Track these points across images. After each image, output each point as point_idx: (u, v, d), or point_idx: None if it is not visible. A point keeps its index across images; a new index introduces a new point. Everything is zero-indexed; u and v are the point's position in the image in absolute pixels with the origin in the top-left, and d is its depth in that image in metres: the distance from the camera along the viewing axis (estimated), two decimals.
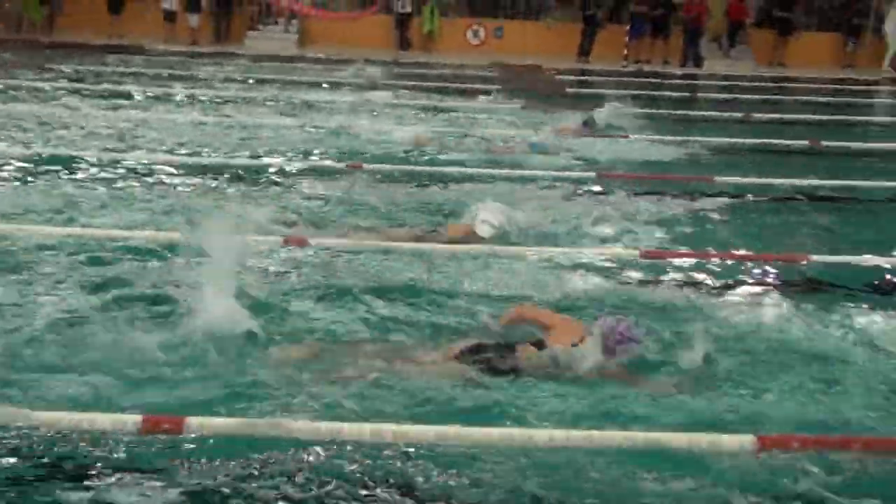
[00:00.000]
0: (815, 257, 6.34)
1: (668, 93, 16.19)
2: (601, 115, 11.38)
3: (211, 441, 3.61)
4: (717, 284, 5.81)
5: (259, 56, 18.74)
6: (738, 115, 13.46)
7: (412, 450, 3.60)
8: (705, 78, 20.01)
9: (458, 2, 23.22)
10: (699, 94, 17.22)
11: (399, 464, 3.55)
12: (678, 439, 3.76)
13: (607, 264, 6.01)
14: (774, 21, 22.38)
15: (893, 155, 10.75)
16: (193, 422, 3.63)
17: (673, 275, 5.96)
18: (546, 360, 4.29)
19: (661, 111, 13.51)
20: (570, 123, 10.92)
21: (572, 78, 18.36)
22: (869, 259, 6.38)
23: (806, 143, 11.18)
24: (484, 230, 6.28)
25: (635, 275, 5.92)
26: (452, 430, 3.71)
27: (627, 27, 21.49)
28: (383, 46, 21.34)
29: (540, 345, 4.37)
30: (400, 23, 21.83)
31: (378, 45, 21.22)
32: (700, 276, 5.93)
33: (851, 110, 15.13)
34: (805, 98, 16.38)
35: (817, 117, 13.65)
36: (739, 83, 18.22)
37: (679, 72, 20.48)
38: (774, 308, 5.29)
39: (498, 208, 6.46)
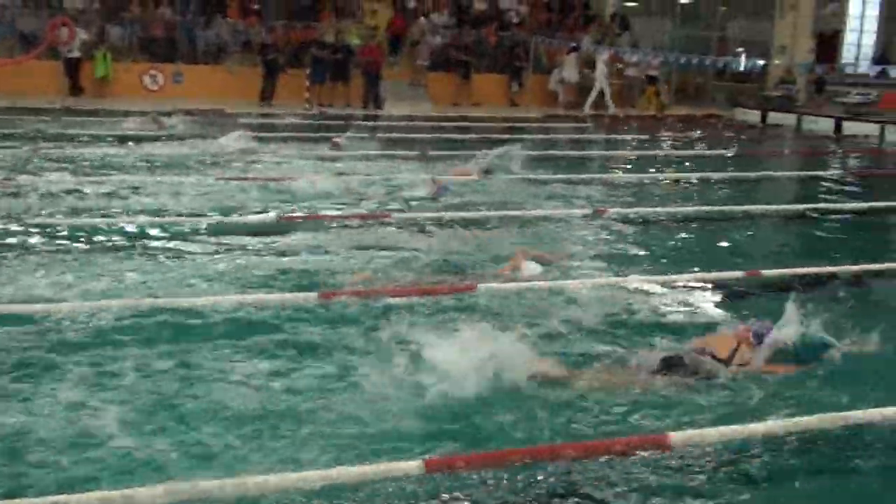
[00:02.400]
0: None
1: (347, 133, 16.57)
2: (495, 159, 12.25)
3: None
4: None
5: None
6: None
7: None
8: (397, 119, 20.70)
9: (131, 46, 22.43)
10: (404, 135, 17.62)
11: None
12: (348, 473, 3.84)
13: None
14: (455, 64, 23.91)
15: (548, 182, 11.69)
16: None
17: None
18: (718, 367, 5.10)
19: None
20: (467, 167, 11.90)
21: (254, 121, 18.31)
22: None
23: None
24: (533, 268, 7.05)
25: None
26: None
27: (308, 71, 21.84)
28: (53, 93, 20.18)
29: (711, 355, 5.17)
30: (69, 68, 20.70)
31: (47, 92, 20.02)
32: None
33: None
34: (481, 135, 17.43)
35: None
36: (419, 122, 19.13)
37: (362, 113, 21.10)
38: None
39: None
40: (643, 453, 4.20)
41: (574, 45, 24.45)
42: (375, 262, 7.39)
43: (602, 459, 4.12)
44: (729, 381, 5.04)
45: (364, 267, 7.21)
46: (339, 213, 9.37)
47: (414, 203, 10.01)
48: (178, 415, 4.47)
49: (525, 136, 17.73)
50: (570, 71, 24.38)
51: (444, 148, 14.52)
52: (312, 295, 6.29)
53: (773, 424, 4.50)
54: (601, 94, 24.02)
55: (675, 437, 4.31)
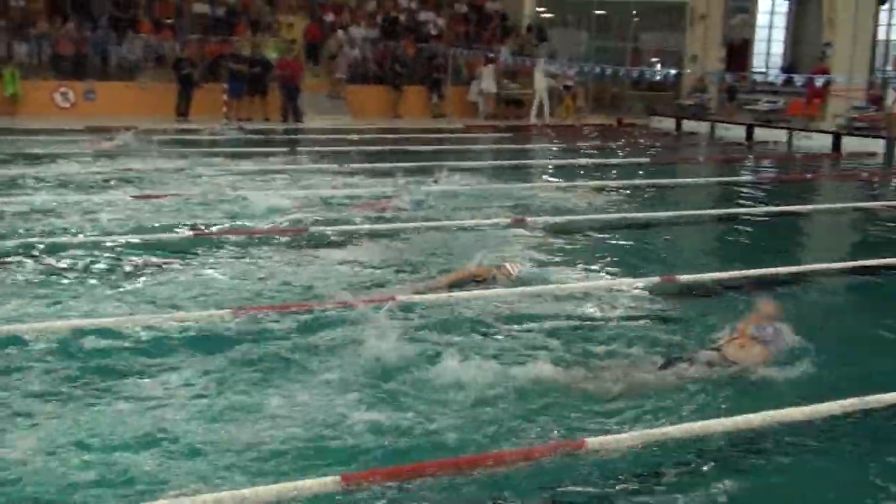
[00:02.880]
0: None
1: (269, 148, 16.42)
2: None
3: None
4: None
5: None
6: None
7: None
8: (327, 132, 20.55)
9: (40, 64, 21.84)
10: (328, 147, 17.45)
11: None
12: (268, 492, 3.78)
13: None
14: (381, 76, 24.05)
15: (469, 192, 11.74)
16: None
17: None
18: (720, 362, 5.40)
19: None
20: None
21: (169, 138, 18.00)
22: None
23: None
24: (515, 270, 7.22)
25: None
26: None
27: (225, 85, 21.58)
28: None
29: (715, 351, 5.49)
30: None
31: None
32: None
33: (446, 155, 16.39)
34: (405, 147, 17.43)
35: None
36: (348, 136, 19.04)
37: (282, 127, 20.90)
38: None
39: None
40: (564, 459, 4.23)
41: (491, 55, 24.68)
42: (296, 276, 7.32)
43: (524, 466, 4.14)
44: (732, 376, 5.31)
45: (288, 281, 7.14)
46: (258, 227, 9.25)
47: (337, 216, 9.95)
48: (88, 436, 4.34)
49: (449, 147, 17.84)
50: (488, 82, 24.59)
51: (373, 161, 14.47)
52: (226, 311, 6.19)
53: (687, 427, 4.57)
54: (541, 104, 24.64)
55: (593, 441, 4.35)
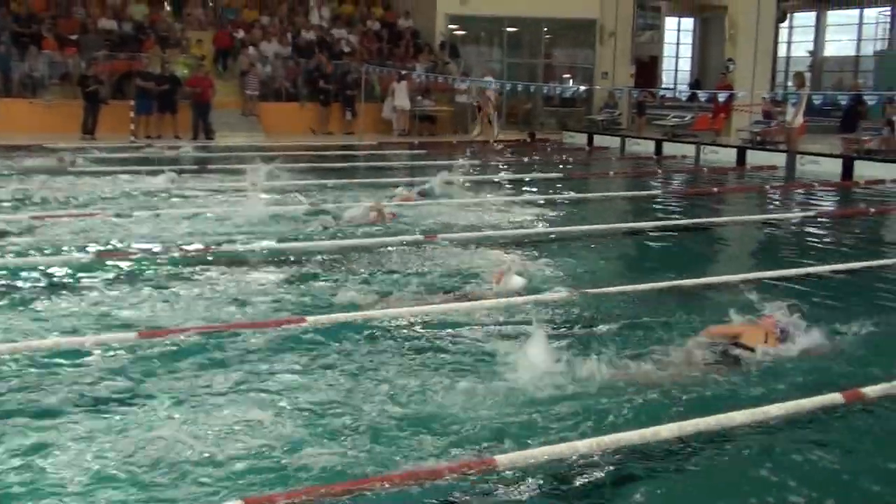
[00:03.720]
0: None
1: (179, 165, 16.12)
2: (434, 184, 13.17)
3: None
4: None
5: None
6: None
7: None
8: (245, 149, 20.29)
9: None
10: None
11: None
12: None
13: None
14: (314, 93, 24.20)
15: None
16: None
17: None
18: (749, 355, 5.79)
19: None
20: (409, 193, 12.61)
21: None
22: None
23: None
24: (517, 281, 7.47)
25: None
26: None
27: (132, 102, 21.14)
28: None
29: (744, 347, 5.86)
30: None
31: None
32: None
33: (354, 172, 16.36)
34: (315, 164, 17.31)
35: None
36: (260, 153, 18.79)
37: (191, 145, 20.53)
38: None
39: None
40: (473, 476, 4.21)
41: (403, 72, 24.74)
42: (199, 299, 7.17)
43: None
44: (760, 367, 5.70)
45: (194, 303, 6.99)
46: (161, 249, 9.04)
47: (240, 237, 9.81)
48: None
49: (361, 163, 17.81)
50: (402, 99, 24.64)
51: (285, 178, 14.34)
52: (131, 335, 6.03)
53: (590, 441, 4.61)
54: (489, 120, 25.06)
55: (502, 458, 4.34)
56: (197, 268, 8.23)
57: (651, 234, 10.95)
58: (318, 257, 8.88)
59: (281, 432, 4.61)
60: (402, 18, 28.97)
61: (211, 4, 28.02)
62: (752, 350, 5.84)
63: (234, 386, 5.25)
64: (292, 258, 8.82)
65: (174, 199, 12.39)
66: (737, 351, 5.86)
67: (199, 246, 9.19)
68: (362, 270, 8.28)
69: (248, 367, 5.57)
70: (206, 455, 4.33)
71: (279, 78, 24.70)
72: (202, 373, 5.47)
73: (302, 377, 5.41)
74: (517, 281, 7.53)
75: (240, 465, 4.24)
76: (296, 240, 9.73)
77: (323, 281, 7.92)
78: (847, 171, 17.42)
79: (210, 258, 8.65)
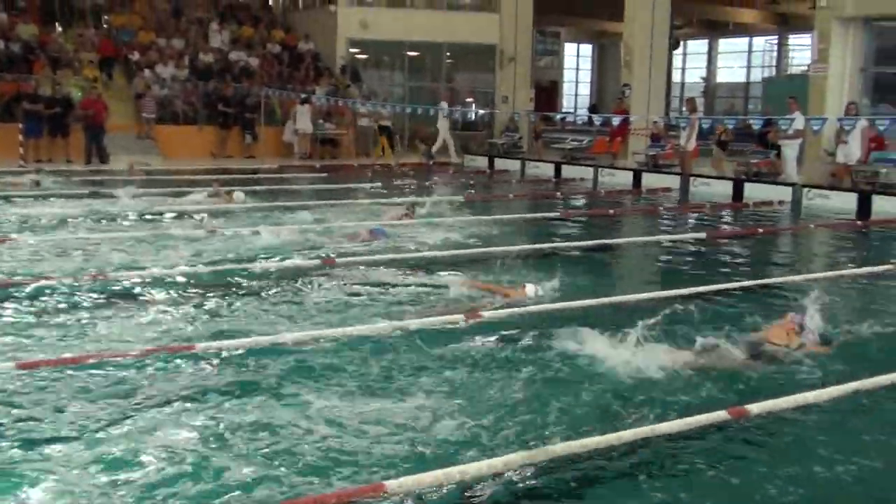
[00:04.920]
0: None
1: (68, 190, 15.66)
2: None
3: None
4: None
5: None
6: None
7: None
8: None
9: None
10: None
11: None
12: None
13: None
14: (213, 116, 23.90)
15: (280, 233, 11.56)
16: None
17: None
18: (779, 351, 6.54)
19: None
20: (396, 212, 13.09)
21: None
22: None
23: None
24: (533, 290, 8.02)
25: None
26: None
27: (21, 126, 20.44)
28: None
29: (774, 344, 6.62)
30: None
31: None
32: None
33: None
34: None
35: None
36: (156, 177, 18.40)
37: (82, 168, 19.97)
38: None
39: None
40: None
41: (304, 96, 24.60)
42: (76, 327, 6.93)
43: None
44: (788, 362, 6.39)
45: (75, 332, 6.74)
46: (44, 274, 8.71)
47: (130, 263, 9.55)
48: None
49: (263, 187, 17.57)
50: (303, 122, 24.47)
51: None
52: (9, 364, 5.77)
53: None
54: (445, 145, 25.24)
55: (392, 484, 4.27)
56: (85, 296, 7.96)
57: (548, 255, 11.05)
58: (209, 286, 8.68)
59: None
60: (303, 42, 28.84)
61: (105, 26, 27.38)
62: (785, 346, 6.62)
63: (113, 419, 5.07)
64: (182, 285, 8.59)
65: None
66: (770, 348, 6.61)
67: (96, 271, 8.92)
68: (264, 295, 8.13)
69: (120, 400, 5.39)
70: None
71: (177, 101, 24.27)
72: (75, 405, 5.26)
73: (197, 403, 5.24)
74: (534, 291, 8.07)
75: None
76: (190, 265, 9.50)
77: (211, 305, 7.74)
78: (738, 192, 17.97)
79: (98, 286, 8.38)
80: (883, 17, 19.78)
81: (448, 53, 29.99)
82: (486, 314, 7.50)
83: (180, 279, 8.78)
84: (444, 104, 25.74)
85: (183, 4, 29.12)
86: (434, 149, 25.17)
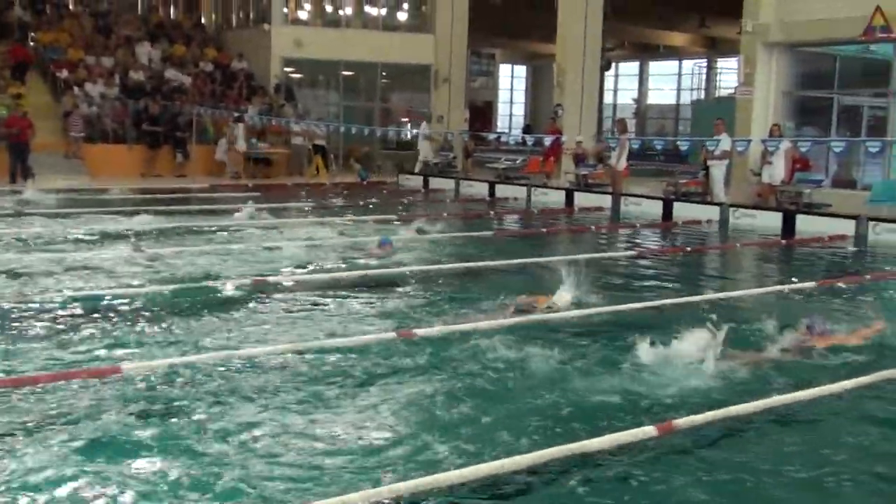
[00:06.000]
0: None
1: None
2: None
3: None
4: None
5: None
6: None
7: None
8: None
9: None
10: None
11: None
12: None
13: None
14: (145, 135, 23.63)
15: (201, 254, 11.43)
16: None
17: None
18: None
19: None
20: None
21: None
22: None
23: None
24: (565, 298, 8.36)
25: None
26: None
27: None
28: None
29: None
30: None
31: None
32: None
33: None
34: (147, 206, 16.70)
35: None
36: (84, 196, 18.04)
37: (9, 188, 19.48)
38: None
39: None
40: None
41: (238, 115, 24.43)
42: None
43: None
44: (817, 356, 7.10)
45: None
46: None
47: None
48: None
49: (193, 206, 17.36)
50: (239, 140, 24.28)
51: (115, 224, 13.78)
52: None
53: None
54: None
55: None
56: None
57: (478, 272, 11.11)
58: (138, 305, 8.54)
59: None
60: (236, 60, 28.65)
61: (32, 43, 26.85)
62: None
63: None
64: (105, 306, 8.44)
65: None
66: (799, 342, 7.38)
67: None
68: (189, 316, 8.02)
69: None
70: None
71: (105, 119, 23.88)
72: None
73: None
74: (566, 298, 8.41)
75: None
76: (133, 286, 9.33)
77: (146, 326, 7.62)
78: (667, 212, 18.29)
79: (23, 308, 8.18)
80: (806, 44, 20.40)
81: (383, 73, 30.07)
82: (420, 332, 7.50)
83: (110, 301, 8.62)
84: (425, 125, 25.98)
85: (111, 22, 28.73)
86: (416, 169, 25.56)
